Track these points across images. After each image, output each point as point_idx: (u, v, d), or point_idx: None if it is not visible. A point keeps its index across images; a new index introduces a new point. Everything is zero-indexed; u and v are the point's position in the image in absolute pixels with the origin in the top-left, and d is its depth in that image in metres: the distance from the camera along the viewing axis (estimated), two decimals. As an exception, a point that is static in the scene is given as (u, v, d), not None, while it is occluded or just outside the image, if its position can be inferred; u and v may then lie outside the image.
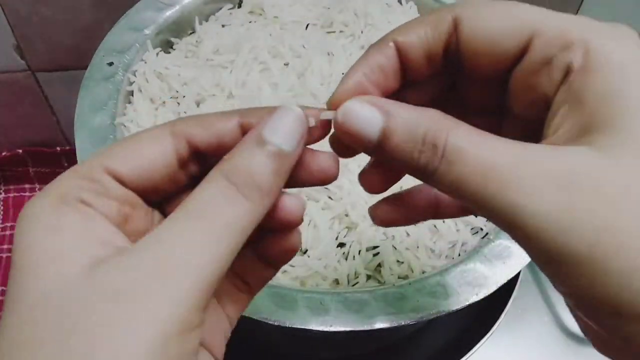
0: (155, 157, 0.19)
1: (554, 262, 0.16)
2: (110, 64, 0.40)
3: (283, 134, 0.18)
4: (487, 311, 0.42)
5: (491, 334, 0.41)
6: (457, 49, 0.19)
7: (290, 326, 0.28)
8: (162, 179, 0.19)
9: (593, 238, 0.15)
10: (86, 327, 0.15)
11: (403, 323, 0.29)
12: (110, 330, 0.15)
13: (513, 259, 0.32)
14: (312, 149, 0.20)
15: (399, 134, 0.18)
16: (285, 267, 0.32)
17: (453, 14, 0.19)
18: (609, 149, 0.16)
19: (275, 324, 0.28)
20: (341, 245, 0.33)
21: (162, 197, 0.19)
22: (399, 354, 0.46)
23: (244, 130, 0.19)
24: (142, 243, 0.16)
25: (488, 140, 0.17)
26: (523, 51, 0.18)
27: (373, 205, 0.23)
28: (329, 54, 0.41)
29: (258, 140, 0.18)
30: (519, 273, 0.41)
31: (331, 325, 0.29)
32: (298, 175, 0.19)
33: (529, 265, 0.57)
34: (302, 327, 0.29)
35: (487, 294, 0.30)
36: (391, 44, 0.19)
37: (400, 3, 0.47)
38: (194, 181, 0.19)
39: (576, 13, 0.62)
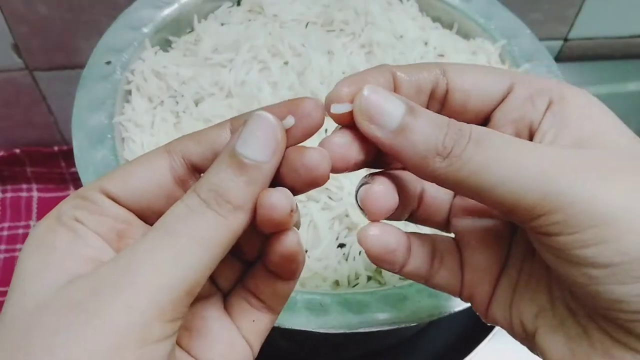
0: (148, 176, 0.19)
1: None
2: (108, 62, 0.40)
3: (255, 145, 0.18)
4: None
5: (492, 335, 0.41)
6: (446, 90, 0.21)
7: (289, 327, 0.28)
8: (156, 197, 0.19)
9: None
10: (46, 336, 0.15)
11: (404, 325, 0.29)
12: (66, 338, 0.15)
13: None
14: (299, 146, 0.19)
15: (424, 117, 0.19)
16: None
17: (441, 66, 0.21)
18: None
19: (274, 325, 0.28)
20: (341, 245, 0.33)
21: (160, 214, 0.18)
22: (399, 355, 0.45)
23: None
24: (114, 258, 0.17)
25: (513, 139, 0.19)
26: (506, 93, 0.21)
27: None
28: (329, 53, 0.41)
29: (230, 154, 0.18)
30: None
31: (331, 327, 0.28)
32: (284, 177, 0.19)
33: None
34: (302, 328, 0.28)
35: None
36: (390, 71, 0.21)
37: (401, 1, 0.47)
38: None
39: (577, 13, 0.62)
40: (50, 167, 0.63)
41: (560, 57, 0.66)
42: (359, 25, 0.43)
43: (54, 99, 0.60)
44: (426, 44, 0.43)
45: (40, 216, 0.64)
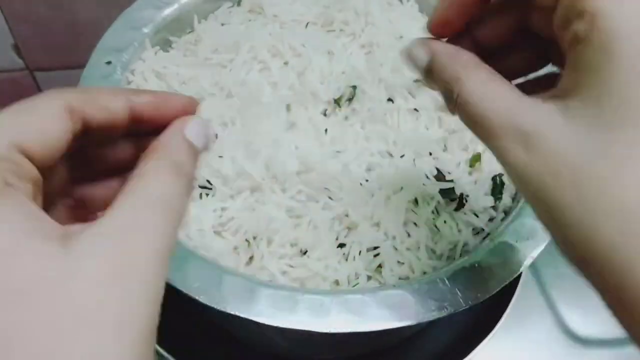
0: (59, 136, 0.19)
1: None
2: (109, 62, 0.40)
3: (199, 136, 0.21)
4: (489, 312, 0.42)
5: (492, 335, 0.41)
6: None
7: (289, 327, 0.28)
8: (60, 155, 0.20)
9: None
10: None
11: (404, 324, 0.29)
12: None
13: (514, 260, 0.32)
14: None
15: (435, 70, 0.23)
16: (285, 267, 0.32)
17: None
18: (570, 110, 0.19)
19: (274, 324, 0.28)
20: (341, 245, 0.33)
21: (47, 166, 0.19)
22: (400, 355, 0.45)
23: (133, 110, 0.21)
24: (96, 228, 0.17)
25: (493, 90, 0.21)
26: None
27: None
28: (329, 53, 0.41)
29: (184, 137, 0.21)
30: (520, 274, 0.41)
31: (331, 327, 0.28)
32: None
33: (531, 266, 0.57)
34: (303, 328, 0.28)
35: (488, 296, 0.30)
36: None
37: (401, 2, 0.47)
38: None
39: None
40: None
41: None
42: (359, 26, 0.43)
43: (55, 99, 0.60)
44: None
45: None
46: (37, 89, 0.58)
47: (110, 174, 0.24)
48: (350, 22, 0.43)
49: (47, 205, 0.20)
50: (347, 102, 0.38)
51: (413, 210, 0.34)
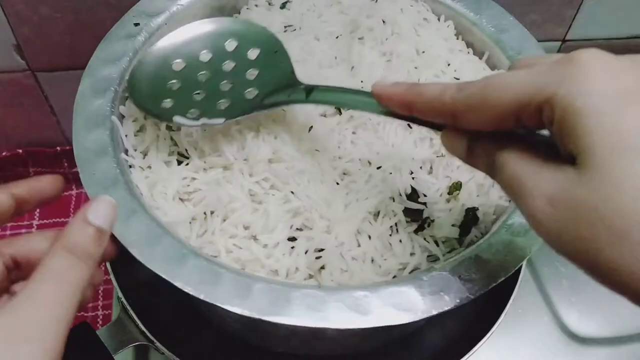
0: None
1: None
2: (137, 24, 0.41)
3: (103, 217, 0.26)
4: (487, 311, 0.42)
5: (491, 334, 0.41)
6: None
7: (283, 323, 0.28)
8: None
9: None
10: None
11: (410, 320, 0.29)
12: None
13: (517, 250, 0.32)
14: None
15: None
16: (231, 247, 0.33)
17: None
18: (581, 172, 0.21)
19: (267, 319, 0.28)
20: (292, 239, 0.33)
21: None
22: (398, 353, 0.45)
23: (17, 199, 0.29)
24: (5, 308, 0.23)
25: (525, 160, 0.24)
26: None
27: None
28: (352, 68, 0.41)
29: (85, 221, 0.26)
30: (518, 275, 0.41)
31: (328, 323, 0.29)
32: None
33: (528, 265, 0.57)
34: (296, 324, 0.28)
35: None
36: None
37: (439, 20, 0.46)
38: None
39: (576, 13, 0.62)
40: (52, 167, 0.63)
41: (558, 58, 0.66)
42: (383, 34, 0.43)
43: (57, 100, 0.60)
44: (449, 65, 0.42)
45: (42, 216, 0.64)
46: (39, 89, 0.58)
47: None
48: (375, 29, 0.43)
49: None
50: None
51: (370, 222, 0.34)
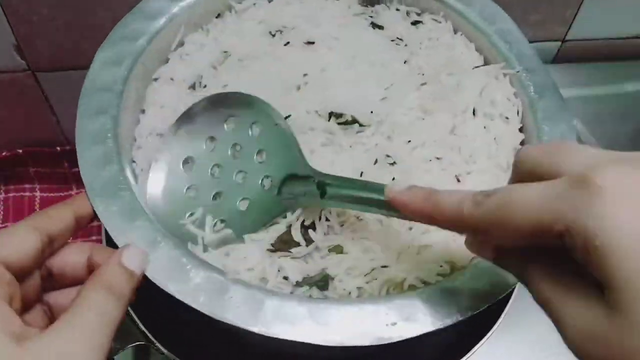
0: (29, 246, 0.28)
1: None
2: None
3: (136, 262, 0.29)
4: (487, 311, 0.42)
5: (491, 334, 0.41)
6: None
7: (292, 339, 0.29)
8: (33, 263, 0.28)
9: None
10: None
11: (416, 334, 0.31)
12: None
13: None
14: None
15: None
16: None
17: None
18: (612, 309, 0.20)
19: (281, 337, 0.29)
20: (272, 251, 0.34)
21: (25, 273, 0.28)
22: (398, 355, 0.45)
23: (77, 217, 0.31)
24: (51, 331, 0.24)
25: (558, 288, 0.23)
26: None
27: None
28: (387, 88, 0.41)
29: (120, 264, 0.28)
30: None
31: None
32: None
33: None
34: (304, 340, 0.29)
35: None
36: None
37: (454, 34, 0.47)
38: None
39: (576, 13, 0.62)
40: (52, 167, 0.63)
41: (558, 59, 0.66)
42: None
43: (57, 100, 0.60)
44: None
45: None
46: (39, 89, 0.58)
47: (71, 284, 0.31)
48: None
49: (26, 308, 0.29)
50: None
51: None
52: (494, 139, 0.39)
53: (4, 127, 0.62)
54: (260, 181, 0.35)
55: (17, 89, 0.58)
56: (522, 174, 0.24)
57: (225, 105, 0.36)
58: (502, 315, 0.41)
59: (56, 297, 0.31)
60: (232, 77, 0.40)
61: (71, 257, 0.31)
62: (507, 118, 0.41)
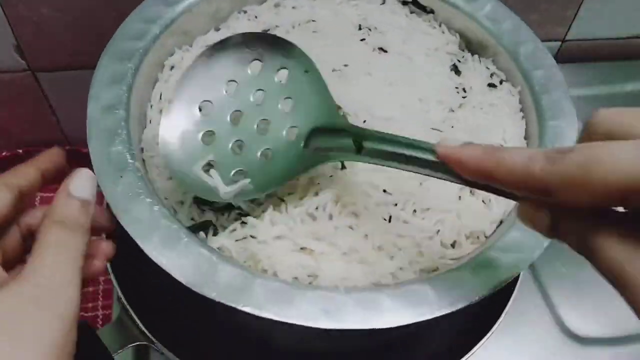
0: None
1: None
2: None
3: (83, 188, 0.28)
4: (487, 311, 0.42)
5: (491, 333, 0.41)
6: None
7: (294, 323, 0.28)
8: (5, 218, 0.29)
9: None
10: None
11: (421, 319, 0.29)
12: None
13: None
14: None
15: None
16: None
17: None
18: None
19: (283, 320, 0.28)
20: None
21: None
22: (398, 353, 0.45)
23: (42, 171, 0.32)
24: (18, 279, 0.25)
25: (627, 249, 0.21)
26: None
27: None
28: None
29: (69, 195, 0.28)
30: (518, 275, 0.41)
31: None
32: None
33: (529, 266, 0.57)
34: (307, 324, 0.28)
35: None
36: None
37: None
38: None
39: (576, 13, 0.62)
40: (52, 167, 0.63)
41: (558, 59, 0.66)
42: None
43: (57, 100, 0.60)
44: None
45: (43, 201, 0.64)
46: (39, 89, 0.58)
47: None
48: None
49: (9, 266, 0.29)
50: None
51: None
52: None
53: (4, 127, 0.62)
54: (284, 132, 0.33)
55: (17, 89, 0.58)
56: (596, 135, 0.22)
57: (250, 46, 0.33)
58: (502, 315, 0.41)
59: None
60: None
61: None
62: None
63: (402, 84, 0.41)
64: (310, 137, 0.33)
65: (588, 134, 0.23)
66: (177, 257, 0.29)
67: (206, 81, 0.32)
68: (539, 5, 0.60)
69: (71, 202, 0.28)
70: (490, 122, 0.40)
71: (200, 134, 0.32)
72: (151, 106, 0.39)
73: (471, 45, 0.46)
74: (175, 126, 0.32)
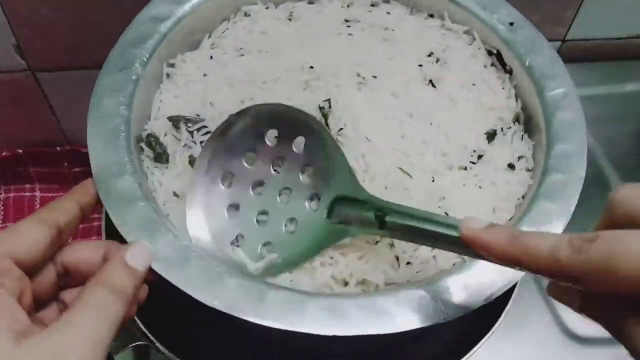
0: (38, 239, 0.28)
1: None
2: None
3: (140, 260, 0.29)
4: (488, 311, 0.42)
5: (491, 333, 0.41)
6: None
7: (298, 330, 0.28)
8: (43, 258, 0.28)
9: None
10: None
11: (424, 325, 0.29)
12: None
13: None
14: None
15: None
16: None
17: None
18: None
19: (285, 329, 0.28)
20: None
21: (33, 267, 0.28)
22: (399, 354, 0.45)
23: (81, 207, 0.31)
24: (49, 330, 0.24)
25: None
26: None
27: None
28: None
29: (123, 263, 0.28)
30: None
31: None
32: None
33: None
34: (310, 331, 0.28)
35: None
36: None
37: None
38: None
39: (576, 13, 0.62)
40: (53, 167, 0.63)
41: (558, 59, 0.66)
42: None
43: (57, 100, 0.60)
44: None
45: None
46: (39, 90, 0.58)
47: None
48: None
49: (42, 304, 0.29)
50: None
51: None
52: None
53: (4, 127, 0.61)
54: (307, 201, 0.33)
55: (17, 89, 0.58)
56: (618, 217, 0.22)
57: (263, 117, 0.33)
58: (502, 315, 0.41)
59: (72, 295, 0.31)
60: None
61: (86, 254, 0.30)
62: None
63: (429, 125, 0.38)
64: (333, 207, 0.32)
65: (609, 214, 0.23)
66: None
67: (225, 155, 0.33)
68: (539, 5, 0.60)
69: (123, 270, 0.28)
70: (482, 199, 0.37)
71: (226, 208, 0.33)
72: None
73: (529, 124, 0.41)
74: (200, 212, 0.32)
